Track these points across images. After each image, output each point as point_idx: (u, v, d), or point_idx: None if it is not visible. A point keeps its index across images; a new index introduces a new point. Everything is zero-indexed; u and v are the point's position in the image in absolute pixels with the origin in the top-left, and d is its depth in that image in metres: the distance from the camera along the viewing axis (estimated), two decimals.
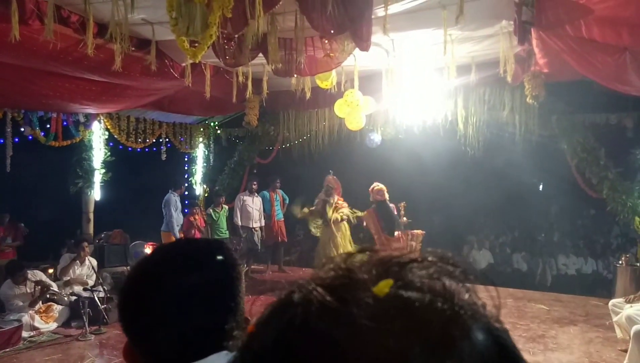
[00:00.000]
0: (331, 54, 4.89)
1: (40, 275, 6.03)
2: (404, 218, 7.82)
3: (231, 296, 0.82)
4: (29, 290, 5.77)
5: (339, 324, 0.33)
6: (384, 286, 0.34)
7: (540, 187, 13.43)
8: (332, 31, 4.12)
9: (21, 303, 5.64)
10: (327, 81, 5.75)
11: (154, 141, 8.72)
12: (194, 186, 9.99)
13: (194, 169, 10.02)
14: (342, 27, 4.08)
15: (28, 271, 5.86)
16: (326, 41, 4.76)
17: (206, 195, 9.94)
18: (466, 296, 0.36)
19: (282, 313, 0.36)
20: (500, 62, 4.92)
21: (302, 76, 5.56)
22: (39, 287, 5.78)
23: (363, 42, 4.22)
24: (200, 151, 10.02)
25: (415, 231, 7.83)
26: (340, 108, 6.33)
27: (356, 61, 5.45)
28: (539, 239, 11.11)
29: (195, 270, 0.80)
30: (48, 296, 5.87)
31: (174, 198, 7.65)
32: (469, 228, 10.85)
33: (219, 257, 0.84)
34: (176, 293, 0.78)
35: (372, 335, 0.32)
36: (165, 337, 0.77)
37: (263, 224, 8.63)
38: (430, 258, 0.39)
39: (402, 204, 7.89)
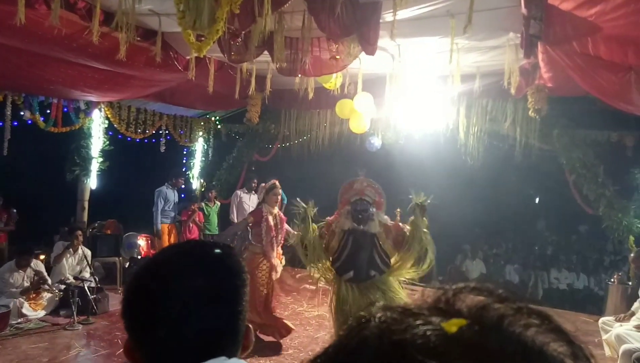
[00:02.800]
0: (337, 56, 4.88)
1: (41, 267, 6.00)
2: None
3: (235, 302, 0.82)
4: (27, 278, 5.73)
5: (402, 356, 0.32)
6: (453, 324, 0.33)
7: (537, 200, 13.46)
8: (339, 33, 4.11)
9: (14, 289, 5.60)
10: (331, 82, 5.74)
11: (154, 132, 8.68)
12: (191, 180, 9.95)
13: (192, 163, 9.99)
14: (349, 30, 4.08)
15: (33, 260, 5.85)
16: (332, 43, 4.75)
17: (203, 189, 9.91)
18: (555, 348, 0.33)
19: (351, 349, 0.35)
20: (505, 74, 4.92)
21: (307, 76, 5.55)
22: (37, 278, 5.75)
23: (369, 46, 4.21)
24: (199, 145, 9.99)
25: None
26: (341, 109, 6.33)
27: (361, 64, 5.43)
28: (532, 252, 11.13)
29: (202, 274, 0.80)
30: (40, 288, 5.83)
31: (165, 191, 7.56)
32: (463, 237, 10.85)
33: (226, 263, 0.83)
34: (181, 296, 0.77)
35: None
36: (167, 338, 0.77)
37: None
38: (508, 301, 0.36)
39: (398, 210, 7.88)
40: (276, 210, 5.16)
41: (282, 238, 5.08)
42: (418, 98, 6.28)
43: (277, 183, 5.21)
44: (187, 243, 0.93)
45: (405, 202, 8.37)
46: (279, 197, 5.23)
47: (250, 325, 0.86)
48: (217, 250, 0.85)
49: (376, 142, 8.33)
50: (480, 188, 10.01)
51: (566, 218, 10.83)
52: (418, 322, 0.34)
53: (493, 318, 0.34)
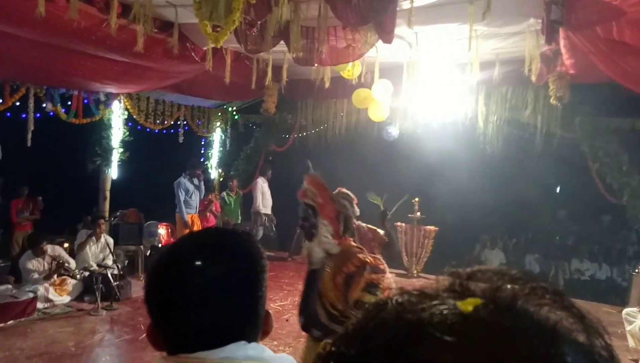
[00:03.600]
0: (353, 45, 4.84)
1: (59, 251, 6.17)
2: (418, 214, 7.78)
3: (255, 288, 0.83)
4: (46, 264, 5.91)
5: (420, 334, 0.33)
6: (469, 303, 0.34)
7: (558, 189, 13.22)
8: (355, 21, 4.07)
9: (37, 276, 5.78)
10: (349, 70, 5.71)
11: (172, 123, 8.77)
12: (210, 170, 10.05)
13: (210, 153, 10.08)
14: (366, 18, 4.04)
15: (48, 246, 6.00)
16: (349, 31, 4.71)
17: (221, 179, 10.01)
18: (568, 325, 0.34)
19: (366, 327, 0.36)
20: (526, 61, 4.82)
21: (323, 65, 5.52)
22: (55, 262, 5.92)
23: (386, 34, 4.17)
24: (217, 136, 10.06)
25: (428, 227, 7.79)
26: (357, 98, 6.30)
27: (378, 52, 5.38)
28: (553, 242, 10.95)
29: (223, 260, 0.81)
30: (62, 271, 6.00)
31: (184, 182, 7.59)
32: (482, 227, 10.74)
33: (246, 249, 0.85)
34: (201, 282, 0.79)
35: (455, 350, 0.31)
36: (187, 324, 0.79)
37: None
38: (524, 281, 0.37)
39: (416, 200, 7.85)
40: None
41: None
42: (436, 87, 6.20)
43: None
44: (207, 230, 0.96)
45: (422, 191, 8.33)
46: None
47: (269, 311, 0.88)
48: (237, 237, 0.87)
49: (393, 131, 8.26)
50: (499, 177, 9.87)
51: (588, 207, 10.61)
52: (434, 303, 0.35)
53: (507, 298, 0.35)
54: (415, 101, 6.52)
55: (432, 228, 7.79)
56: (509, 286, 0.36)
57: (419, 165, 9.24)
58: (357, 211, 2.73)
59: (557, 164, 9.59)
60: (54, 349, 4.46)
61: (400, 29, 4.43)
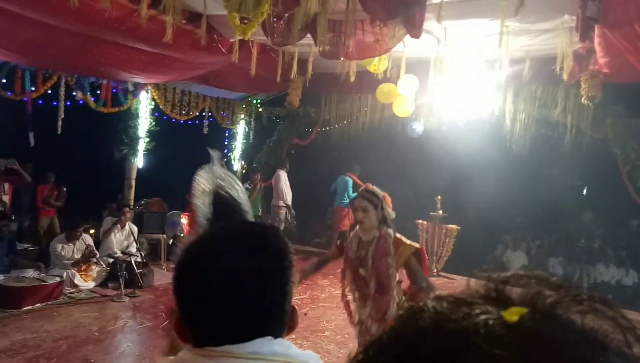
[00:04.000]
0: (380, 39, 4.79)
1: (90, 241, 6.33)
2: (440, 212, 7.70)
3: (283, 283, 0.82)
4: (77, 250, 6.07)
5: (465, 345, 0.32)
6: (514, 313, 0.33)
7: (585, 191, 12.90)
8: (384, 15, 4.03)
9: (66, 261, 5.94)
10: (375, 64, 5.66)
11: (197, 114, 8.86)
12: (232, 162, 10.13)
13: (233, 145, 10.16)
14: (394, 12, 3.99)
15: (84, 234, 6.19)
16: (377, 26, 4.66)
17: (244, 171, 10.08)
18: (616, 337, 0.33)
19: (402, 336, 0.35)
20: (558, 59, 4.70)
21: (349, 59, 5.49)
22: (87, 251, 6.08)
23: (415, 29, 4.11)
24: (240, 128, 10.13)
25: (450, 226, 7.71)
26: (382, 93, 6.24)
27: (405, 47, 5.32)
28: (578, 245, 10.70)
29: (251, 255, 0.81)
30: (91, 259, 6.16)
31: None
32: (505, 227, 10.56)
33: (274, 243, 0.84)
34: (230, 276, 0.78)
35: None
36: (215, 317, 0.78)
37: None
38: (565, 287, 0.36)
39: (438, 198, 7.76)
40: None
41: None
42: (463, 83, 6.10)
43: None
44: (236, 224, 0.93)
45: (444, 189, 8.23)
46: None
47: (295, 306, 0.87)
48: (266, 231, 0.86)
49: (418, 128, 8.17)
50: (524, 177, 9.68)
51: (616, 211, 10.33)
52: (476, 311, 0.33)
53: (551, 306, 0.34)
54: (441, 97, 6.42)
55: (453, 226, 7.70)
56: (549, 292, 0.35)
57: (443, 163, 9.13)
58: (391, 212, 2.91)
59: (586, 166, 9.35)
60: (79, 333, 4.58)
61: (429, 23, 4.36)
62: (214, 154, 1.97)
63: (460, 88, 6.15)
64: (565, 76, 4.85)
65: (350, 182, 8.63)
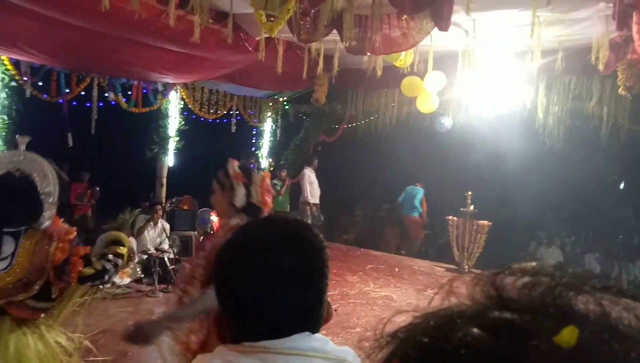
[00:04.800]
0: (407, 33, 4.73)
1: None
2: (470, 207, 7.57)
3: (321, 278, 0.82)
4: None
5: None
6: (569, 336, 0.29)
7: (622, 185, 12.44)
8: (411, 9, 3.98)
9: None
10: (401, 59, 5.60)
11: (225, 112, 8.97)
12: (260, 160, 10.22)
13: (261, 143, 10.24)
14: (422, 5, 3.93)
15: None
16: (403, 19, 4.61)
17: (271, 169, 10.15)
18: None
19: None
20: (593, 48, 4.54)
21: (375, 54, 5.44)
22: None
23: (443, 22, 4.04)
24: (267, 125, 10.20)
25: (481, 221, 7.56)
26: (408, 86, 6.16)
27: (432, 41, 5.24)
28: (616, 241, 10.33)
29: (291, 251, 0.81)
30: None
31: None
32: (538, 223, 10.30)
33: (310, 238, 0.84)
34: (269, 271, 0.79)
35: None
36: (255, 314, 0.79)
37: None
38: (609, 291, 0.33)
39: (469, 193, 7.63)
40: None
41: None
42: (493, 76, 5.96)
43: None
44: (271, 219, 0.92)
45: (475, 185, 8.07)
46: None
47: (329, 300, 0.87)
48: (302, 226, 0.86)
49: (447, 122, 8.04)
50: (558, 171, 9.40)
51: None
52: (531, 341, 0.30)
53: (603, 317, 0.31)
54: (470, 91, 6.30)
55: (485, 222, 7.55)
56: (588, 294, 0.32)
57: (473, 158, 8.97)
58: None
59: (623, 159, 9.02)
60: (116, 327, 4.71)
61: (457, 15, 4.28)
62: (21, 140, 2.25)
63: (490, 81, 6.02)
64: (600, 67, 4.68)
65: (421, 193, 8.72)
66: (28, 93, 6.29)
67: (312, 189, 8.44)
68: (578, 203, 10.67)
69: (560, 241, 9.72)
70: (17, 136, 2.30)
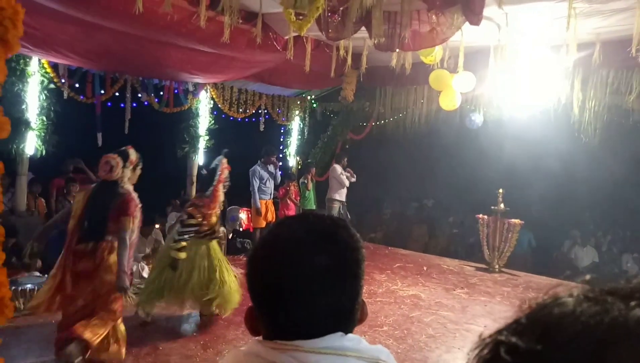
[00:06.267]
0: (437, 29, 4.66)
1: (160, 236, 6.68)
2: (501, 206, 7.41)
3: (356, 277, 0.81)
4: (148, 244, 6.43)
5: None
6: None
7: None
8: (441, 3, 3.91)
9: (138, 254, 6.31)
10: (430, 55, 5.52)
11: (254, 111, 9.05)
12: (288, 158, 10.27)
13: (289, 141, 10.29)
14: (452, 0, 3.87)
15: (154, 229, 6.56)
16: (433, 15, 4.54)
17: (299, 167, 10.19)
18: None
19: None
20: (634, 40, 4.35)
21: (405, 51, 5.39)
22: (157, 246, 6.43)
23: (474, 16, 3.97)
24: (295, 124, 10.24)
25: (513, 220, 7.40)
26: (436, 80, 6.07)
27: (463, 36, 5.14)
28: None
29: (327, 250, 0.79)
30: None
31: (258, 169, 7.67)
32: (572, 222, 10.00)
33: (346, 237, 0.82)
34: (306, 272, 0.77)
35: None
36: (289, 312, 0.78)
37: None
38: None
39: (500, 191, 7.47)
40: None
41: None
42: (526, 71, 5.81)
43: None
44: (306, 217, 0.88)
45: (506, 182, 7.88)
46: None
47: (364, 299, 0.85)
48: (337, 224, 0.84)
49: (477, 119, 7.87)
50: (593, 168, 9.08)
51: None
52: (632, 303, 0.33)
53: None
54: (502, 87, 6.16)
55: (516, 221, 7.38)
56: None
57: (504, 155, 8.77)
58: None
59: None
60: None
61: (489, 9, 4.20)
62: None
63: (522, 77, 5.87)
64: None
65: None
66: (65, 95, 6.50)
67: (339, 188, 8.42)
68: (615, 202, 10.31)
69: (595, 240, 9.42)
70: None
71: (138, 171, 4.07)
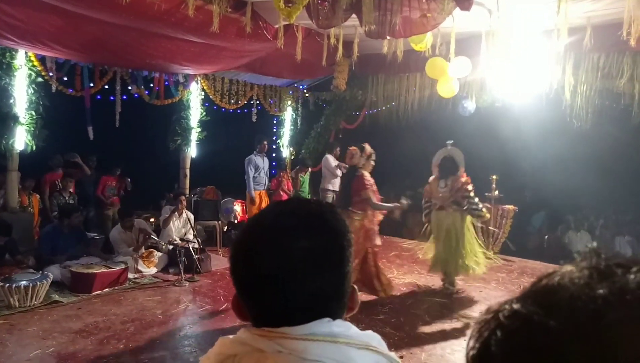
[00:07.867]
0: (428, 15, 4.63)
1: (143, 224, 6.65)
2: (495, 192, 7.44)
3: (342, 263, 0.79)
4: (134, 236, 6.40)
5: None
6: None
7: None
8: None
9: (127, 248, 6.27)
10: (421, 43, 5.48)
11: (246, 102, 9.00)
12: (281, 149, 10.23)
13: (282, 132, 10.25)
14: None
15: (135, 220, 6.49)
16: (424, 0, 4.50)
17: (292, 158, 10.16)
18: None
19: None
20: (624, 23, 4.34)
21: (396, 37, 5.34)
22: (142, 235, 6.39)
23: (465, 1, 3.94)
24: (288, 114, 10.19)
25: (507, 206, 7.43)
26: (432, 68, 6.04)
27: (454, 21, 5.11)
28: None
29: (309, 235, 0.77)
30: (149, 244, 6.47)
31: (254, 158, 7.74)
32: (566, 207, 10.07)
33: (332, 222, 0.80)
34: (288, 257, 0.75)
35: None
36: (272, 299, 0.76)
37: None
38: None
39: (493, 177, 7.49)
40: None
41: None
42: (518, 56, 5.79)
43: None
44: (290, 202, 0.87)
45: (500, 169, 7.89)
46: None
47: (355, 286, 0.84)
48: (323, 208, 0.82)
49: (470, 106, 7.87)
50: (586, 153, 9.13)
51: None
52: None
53: None
54: (494, 73, 6.14)
55: (510, 207, 7.42)
56: None
57: (497, 141, 8.79)
58: None
59: None
60: (144, 316, 4.82)
61: None
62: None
63: (514, 62, 5.85)
64: (632, 42, 4.47)
65: None
66: (54, 88, 6.41)
67: (332, 178, 8.40)
68: (607, 185, 10.38)
69: (588, 224, 9.50)
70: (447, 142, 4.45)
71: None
